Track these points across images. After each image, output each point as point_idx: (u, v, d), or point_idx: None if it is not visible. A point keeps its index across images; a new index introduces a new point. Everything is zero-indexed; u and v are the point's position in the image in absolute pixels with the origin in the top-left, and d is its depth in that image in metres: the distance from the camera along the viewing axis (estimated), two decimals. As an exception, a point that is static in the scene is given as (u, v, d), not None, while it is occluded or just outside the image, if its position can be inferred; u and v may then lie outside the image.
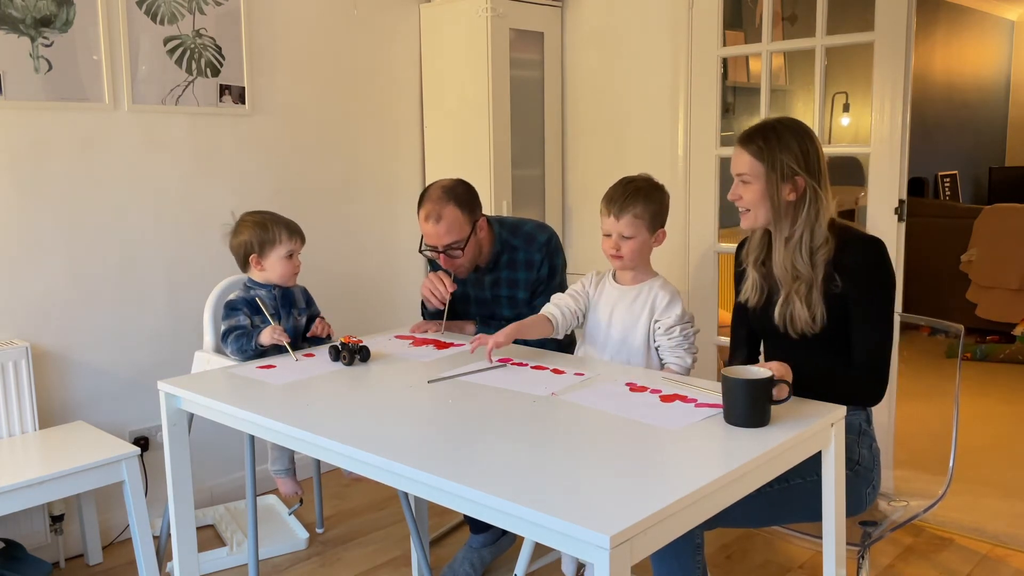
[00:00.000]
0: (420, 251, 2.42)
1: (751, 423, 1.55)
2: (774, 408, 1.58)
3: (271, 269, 2.34)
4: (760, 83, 3.04)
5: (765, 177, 1.84)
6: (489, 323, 2.47)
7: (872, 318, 1.81)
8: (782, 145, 1.83)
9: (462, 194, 2.38)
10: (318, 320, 2.41)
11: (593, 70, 3.56)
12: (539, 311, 2.44)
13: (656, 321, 2.05)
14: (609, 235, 2.06)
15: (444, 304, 2.39)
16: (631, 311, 2.08)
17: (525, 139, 3.57)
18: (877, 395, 1.84)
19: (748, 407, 1.55)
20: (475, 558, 2.55)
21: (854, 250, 1.82)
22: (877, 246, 1.83)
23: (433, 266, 2.57)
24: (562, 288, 2.50)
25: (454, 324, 2.45)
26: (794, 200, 1.83)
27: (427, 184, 3.61)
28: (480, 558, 2.56)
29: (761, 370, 1.59)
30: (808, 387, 1.70)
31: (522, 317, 2.45)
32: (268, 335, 2.21)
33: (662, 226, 2.08)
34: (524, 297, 2.48)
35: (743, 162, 1.87)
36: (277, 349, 2.24)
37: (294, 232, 2.38)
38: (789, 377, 1.65)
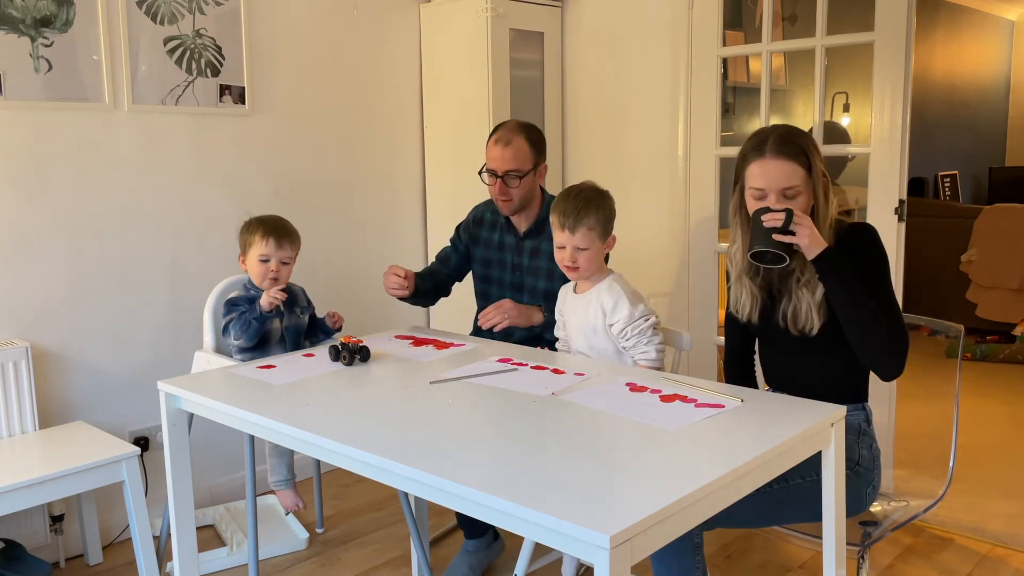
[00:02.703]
0: (479, 173, 2.50)
1: (772, 245, 1.70)
2: (777, 401, 1.60)
3: (250, 269, 2.36)
4: (760, 83, 3.04)
5: (811, 185, 1.77)
6: (519, 297, 2.49)
7: (877, 293, 1.78)
8: (811, 146, 1.77)
9: (534, 133, 2.49)
10: (330, 312, 2.45)
11: (593, 70, 3.56)
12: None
13: (610, 325, 2.07)
14: (563, 247, 2.07)
15: (407, 291, 2.47)
16: (587, 318, 2.10)
17: (525, 139, 3.57)
18: (903, 341, 1.76)
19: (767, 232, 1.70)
20: (473, 561, 2.55)
21: (850, 236, 1.82)
22: (870, 229, 1.84)
23: (452, 246, 2.67)
24: None
25: (524, 308, 2.41)
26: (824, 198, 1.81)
27: (427, 178, 3.67)
28: (478, 561, 2.56)
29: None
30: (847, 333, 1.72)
31: (554, 291, 2.40)
32: (266, 299, 2.24)
33: (611, 232, 2.11)
34: (560, 272, 2.46)
35: (791, 174, 1.74)
36: (279, 347, 2.24)
37: (270, 235, 2.33)
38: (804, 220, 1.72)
